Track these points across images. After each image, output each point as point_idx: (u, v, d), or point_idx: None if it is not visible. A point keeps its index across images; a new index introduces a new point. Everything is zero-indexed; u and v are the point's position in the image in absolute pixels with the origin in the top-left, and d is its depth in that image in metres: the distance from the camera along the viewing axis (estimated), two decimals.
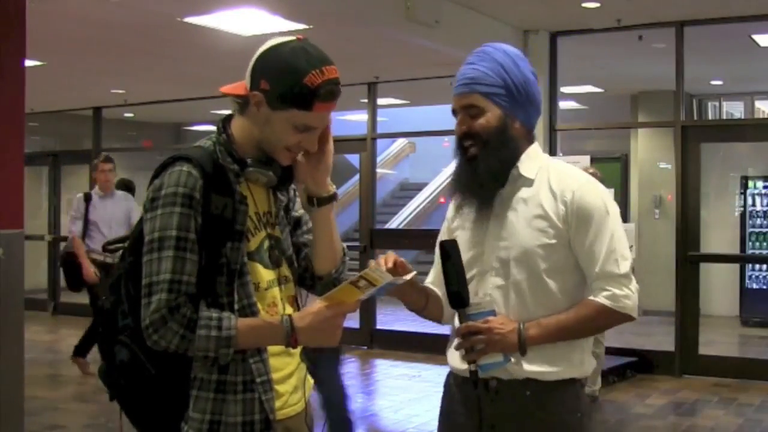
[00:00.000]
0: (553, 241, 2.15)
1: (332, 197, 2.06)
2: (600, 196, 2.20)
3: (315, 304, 1.88)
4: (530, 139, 2.28)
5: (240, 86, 1.97)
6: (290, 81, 1.87)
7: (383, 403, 6.80)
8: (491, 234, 2.23)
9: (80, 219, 7.44)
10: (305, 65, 1.88)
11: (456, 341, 2.18)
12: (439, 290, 2.29)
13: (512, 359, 2.15)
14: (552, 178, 2.21)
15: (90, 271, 7.13)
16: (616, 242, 2.17)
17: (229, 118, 2.02)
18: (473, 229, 2.25)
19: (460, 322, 2.14)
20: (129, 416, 1.97)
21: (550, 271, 2.16)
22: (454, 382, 2.32)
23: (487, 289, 2.20)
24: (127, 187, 8.33)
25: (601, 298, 2.14)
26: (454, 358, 2.27)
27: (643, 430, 6.04)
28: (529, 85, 2.23)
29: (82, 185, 12.30)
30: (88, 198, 7.52)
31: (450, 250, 2.14)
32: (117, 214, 7.51)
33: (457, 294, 2.13)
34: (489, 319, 2.13)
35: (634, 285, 2.18)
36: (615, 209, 2.21)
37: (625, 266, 2.17)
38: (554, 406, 2.18)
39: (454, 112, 2.26)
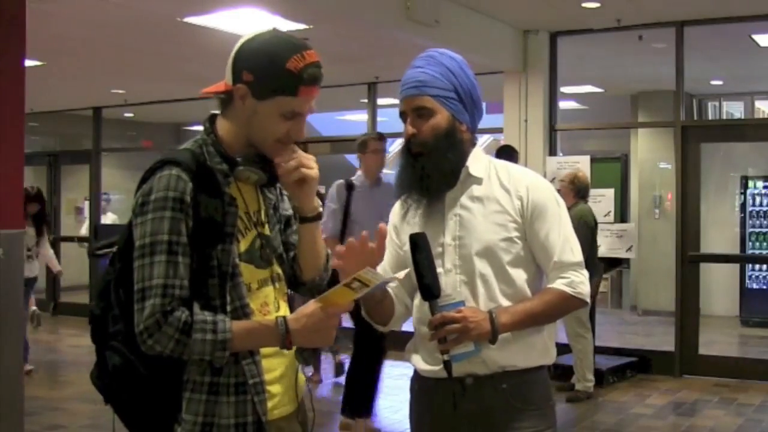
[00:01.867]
0: (513, 234, 2.24)
1: (317, 217, 2.08)
2: (550, 190, 2.33)
3: (309, 306, 1.88)
4: (474, 142, 2.34)
5: (220, 86, 1.97)
6: (273, 68, 1.88)
7: (383, 403, 6.79)
8: (449, 233, 2.27)
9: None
10: (285, 51, 1.89)
11: (429, 333, 2.19)
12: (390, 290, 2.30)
13: (482, 348, 2.19)
14: (501, 176, 2.29)
15: None
16: (568, 232, 2.28)
17: (214, 117, 2.02)
18: (425, 229, 2.25)
19: (432, 313, 2.17)
20: (122, 419, 1.97)
21: (512, 263, 2.24)
22: (424, 384, 2.35)
23: (455, 286, 2.23)
24: (37, 195, 7.43)
25: (562, 286, 2.24)
26: (419, 360, 2.34)
27: (642, 430, 6.04)
28: (474, 89, 2.30)
29: (82, 185, 12.32)
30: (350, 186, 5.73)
31: (420, 242, 2.16)
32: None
33: (429, 286, 2.16)
34: (461, 309, 2.17)
35: (585, 271, 2.29)
36: (562, 201, 2.34)
37: (579, 254, 2.28)
38: (530, 396, 2.26)
39: (402, 114, 2.29)
